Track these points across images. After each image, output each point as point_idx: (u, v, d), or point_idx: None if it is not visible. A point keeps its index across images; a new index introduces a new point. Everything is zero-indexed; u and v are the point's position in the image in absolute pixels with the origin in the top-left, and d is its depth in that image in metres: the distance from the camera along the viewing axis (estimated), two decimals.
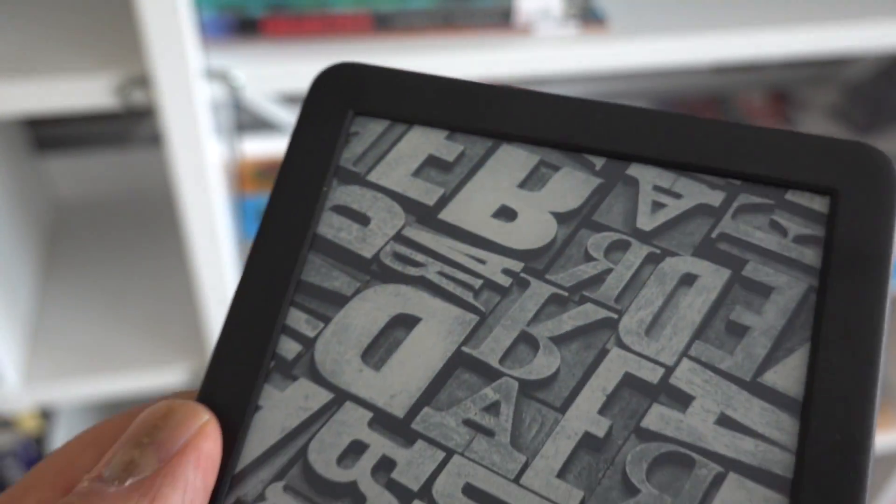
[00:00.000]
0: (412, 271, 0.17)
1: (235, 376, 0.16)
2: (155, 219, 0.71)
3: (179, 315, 0.62)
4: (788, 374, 0.15)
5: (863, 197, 0.16)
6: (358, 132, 0.19)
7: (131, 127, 0.74)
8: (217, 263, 0.51)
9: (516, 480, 0.15)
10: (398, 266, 0.17)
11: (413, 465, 0.15)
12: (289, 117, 0.72)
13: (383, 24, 0.45)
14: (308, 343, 0.17)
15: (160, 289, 0.65)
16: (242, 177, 0.71)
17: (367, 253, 0.17)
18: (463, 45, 0.46)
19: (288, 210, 0.18)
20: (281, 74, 0.45)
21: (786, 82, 0.80)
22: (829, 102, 0.75)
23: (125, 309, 0.63)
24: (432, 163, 0.18)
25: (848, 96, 0.76)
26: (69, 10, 0.48)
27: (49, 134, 0.74)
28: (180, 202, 0.47)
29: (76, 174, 0.74)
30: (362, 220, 0.18)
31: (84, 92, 0.43)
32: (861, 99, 0.75)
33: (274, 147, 0.74)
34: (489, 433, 0.15)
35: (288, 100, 0.73)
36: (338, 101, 0.19)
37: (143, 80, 0.43)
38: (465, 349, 0.16)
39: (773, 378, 0.15)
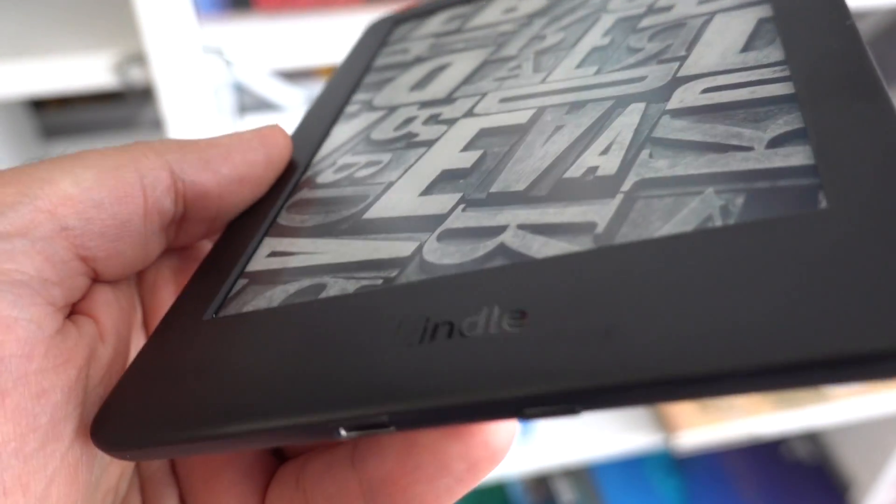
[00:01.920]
0: (442, 49, 0.23)
1: (315, 118, 0.22)
2: None
3: None
4: None
5: None
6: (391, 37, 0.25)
7: (136, 111, 0.75)
8: None
9: (543, 81, 0.19)
10: (430, 52, 0.23)
11: (455, 108, 0.20)
12: (288, 96, 0.72)
13: None
14: (366, 102, 0.22)
15: None
16: None
17: (409, 57, 0.24)
18: None
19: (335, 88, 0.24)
20: (274, 48, 0.45)
21: None
22: None
23: None
24: (453, 18, 0.25)
25: None
26: None
27: (55, 120, 0.75)
28: None
29: None
30: (404, 51, 0.25)
31: (82, 71, 0.43)
32: None
33: None
34: (514, 76, 0.20)
35: (285, 76, 0.73)
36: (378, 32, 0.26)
37: (140, 58, 0.43)
38: (489, 57, 0.21)
39: None
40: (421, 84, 0.22)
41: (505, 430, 0.13)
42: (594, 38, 0.20)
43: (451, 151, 0.18)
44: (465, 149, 0.18)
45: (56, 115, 0.75)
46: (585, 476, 0.89)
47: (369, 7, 0.46)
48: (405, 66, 0.23)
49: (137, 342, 0.18)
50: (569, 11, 0.22)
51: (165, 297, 0.19)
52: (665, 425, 0.73)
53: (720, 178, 0.13)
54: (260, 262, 0.17)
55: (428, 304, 0.13)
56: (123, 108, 0.75)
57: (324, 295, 0.15)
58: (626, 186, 0.14)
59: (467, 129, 0.19)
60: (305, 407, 0.12)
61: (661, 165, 0.14)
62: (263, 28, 0.46)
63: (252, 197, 0.19)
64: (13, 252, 0.14)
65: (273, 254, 0.17)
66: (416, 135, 0.19)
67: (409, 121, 0.20)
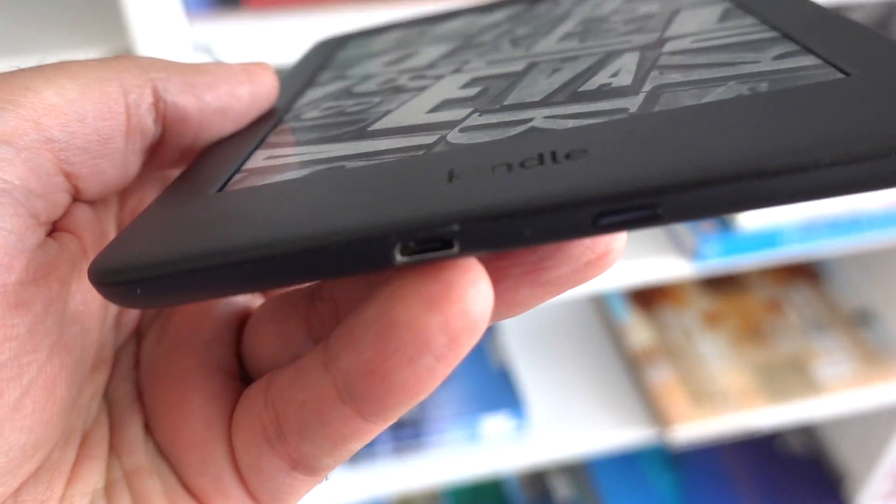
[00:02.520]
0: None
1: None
2: None
3: None
4: None
5: None
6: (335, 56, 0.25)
7: None
8: None
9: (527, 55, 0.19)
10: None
11: (443, 68, 0.20)
12: None
13: None
14: (336, 76, 0.22)
15: None
16: None
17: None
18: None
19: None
20: (264, 47, 0.45)
21: None
22: None
23: None
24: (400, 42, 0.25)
25: None
26: None
27: None
28: None
29: None
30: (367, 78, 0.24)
31: None
32: None
33: None
34: (496, 48, 0.20)
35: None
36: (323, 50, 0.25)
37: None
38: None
39: None
40: (395, 62, 0.22)
41: (482, 298, 0.12)
42: (567, 28, 0.20)
43: (449, 89, 0.18)
44: (465, 87, 0.18)
45: None
46: (581, 472, 0.89)
47: (358, 6, 0.46)
48: (371, 56, 0.23)
49: None
50: (532, 19, 0.22)
51: None
52: (659, 420, 0.73)
53: (738, 77, 0.14)
54: (258, 161, 0.17)
55: (477, 157, 0.13)
56: None
57: (344, 170, 0.14)
58: (647, 88, 0.15)
59: (459, 77, 0.19)
60: (357, 220, 0.12)
61: (674, 76, 0.15)
62: (253, 26, 0.46)
63: (231, 130, 0.19)
64: None
65: (270, 157, 0.17)
66: (403, 85, 0.19)
67: (391, 79, 0.20)
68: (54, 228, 0.16)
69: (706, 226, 0.61)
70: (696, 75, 0.15)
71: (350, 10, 0.46)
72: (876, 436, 0.83)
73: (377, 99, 0.19)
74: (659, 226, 0.11)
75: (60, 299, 0.15)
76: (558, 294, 0.14)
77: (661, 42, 0.17)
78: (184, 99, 0.17)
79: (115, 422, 0.17)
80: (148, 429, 0.17)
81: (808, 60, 0.14)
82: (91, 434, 0.17)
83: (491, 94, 0.17)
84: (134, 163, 0.17)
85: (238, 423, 0.16)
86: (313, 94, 0.21)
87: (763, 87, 0.13)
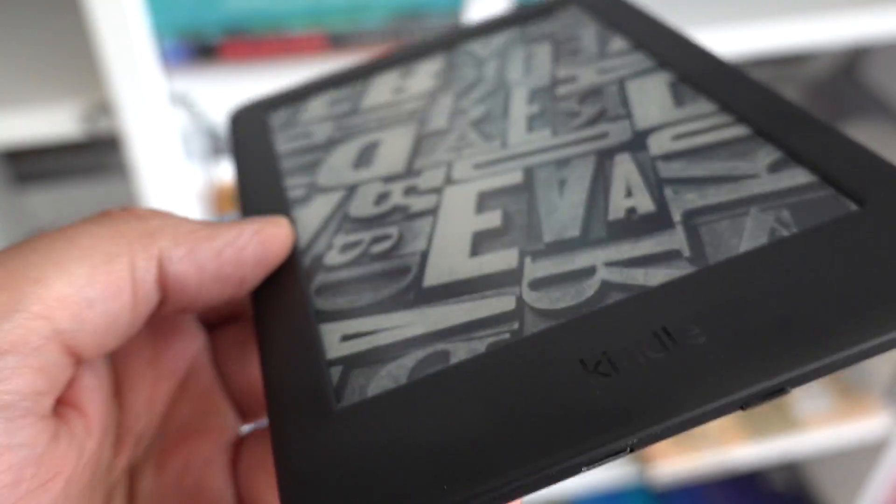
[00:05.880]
0: (356, 129, 0.23)
1: (267, 208, 0.21)
2: None
3: None
4: None
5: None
6: (273, 123, 0.25)
7: (109, 157, 0.76)
8: None
9: (504, 146, 0.20)
10: (344, 133, 0.23)
11: (429, 179, 0.20)
12: None
13: (338, 43, 0.47)
14: (309, 185, 0.22)
15: None
16: (220, 200, 0.72)
17: (322, 138, 0.23)
18: None
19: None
20: (241, 96, 0.46)
21: None
22: None
23: None
24: (334, 102, 0.25)
25: (807, 95, 0.78)
26: (28, 42, 0.50)
27: (29, 168, 0.76)
28: None
29: (56, 206, 0.75)
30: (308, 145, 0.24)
31: (49, 121, 0.44)
32: (820, 97, 0.77)
33: None
34: (468, 145, 0.20)
35: None
36: (255, 117, 0.25)
37: (106, 108, 0.44)
38: (422, 131, 0.21)
39: None
40: (362, 161, 0.21)
41: None
42: (521, 107, 0.21)
43: (466, 215, 0.18)
44: (480, 211, 0.18)
45: (30, 164, 0.76)
46: None
47: (333, 53, 0.47)
48: (322, 147, 0.23)
49: (113, 414, 0.18)
50: (470, 88, 0.22)
51: (139, 365, 0.19)
52: (640, 457, 0.74)
53: (753, 200, 0.16)
54: (338, 348, 0.17)
55: (592, 341, 0.14)
56: (97, 154, 0.76)
57: (455, 360, 0.15)
58: (677, 217, 0.16)
59: (463, 194, 0.19)
60: (542, 453, 0.13)
61: (692, 198, 0.16)
62: (230, 77, 0.47)
63: (231, 296, 0.18)
64: (4, 371, 0.14)
65: (346, 337, 0.17)
66: (407, 207, 0.19)
67: (384, 196, 0.20)
68: (59, 401, 0.16)
69: None
70: (711, 198, 0.16)
71: (324, 59, 0.48)
72: (858, 471, 0.83)
73: (392, 230, 0.19)
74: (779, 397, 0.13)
75: (63, 494, 0.15)
76: None
77: (642, 139, 0.18)
78: (185, 268, 0.17)
79: None
80: None
81: (804, 177, 0.16)
82: None
83: (519, 224, 0.17)
84: (134, 327, 0.17)
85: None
86: (306, 216, 0.20)
87: (787, 219, 0.15)
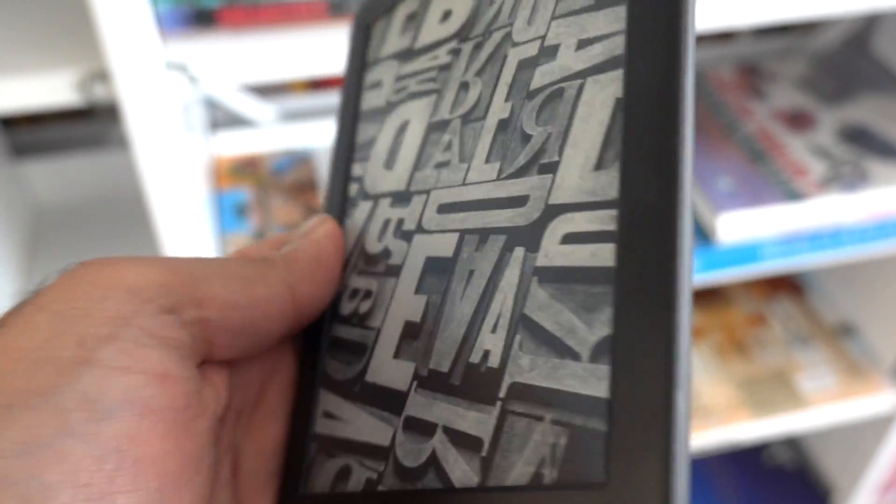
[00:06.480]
0: (402, 94, 0.23)
1: (334, 208, 0.24)
2: (135, 220, 0.71)
3: None
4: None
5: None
6: (372, 35, 0.26)
7: (107, 127, 0.75)
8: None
9: (463, 183, 0.19)
10: (396, 97, 0.23)
11: (412, 213, 0.21)
12: (259, 111, 0.72)
13: (338, 10, 0.46)
14: (360, 180, 0.24)
15: None
16: (218, 173, 0.71)
17: (382, 101, 0.24)
18: None
19: (347, 103, 0.26)
20: (240, 64, 0.45)
21: (755, 55, 0.81)
22: (797, 74, 0.75)
23: None
24: (408, 18, 0.24)
25: (816, 67, 0.76)
26: (24, 9, 0.49)
27: (26, 139, 0.75)
28: (147, 199, 0.48)
29: (54, 178, 0.74)
30: (378, 84, 0.25)
31: (45, 89, 0.43)
32: (829, 69, 0.76)
33: (248, 142, 0.75)
34: (447, 163, 0.20)
35: (257, 91, 0.73)
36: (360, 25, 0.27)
37: (103, 75, 0.43)
38: (432, 119, 0.21)
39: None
40: (390, 160, 0.23)
41: None
42: (499, 103, 0.19)
43: (409, 292, 0.20)
44: (418, 290, 0.20)
45: (26, 133, 0.75)
46: None
47: (333, 22, 0.46)
48: (382, 114, 0.24)
49: (228, 391, 0.20)
50: (480, 44, 0.20)
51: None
52: None
53: (554, 402, 0.14)
54: (320, 423, 0.21)
55: None
56: (94, 124, 0.75)
57: (350, 487, 0.19)
58: (502, 392, 0.16)
59: (416, 258, 0.20)
60: None
61: (524, 365, 0.15)
62: (228, 44, 0.46)
63: (307, 318, 0.21)
64: (174, 325, 0.17)
65: (325, 414, 0.21)
66: (390, 253, 0.21)
67: (385, 227, 0.22)
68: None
69: None
70: (533, 375, 0.16)
71: (325, 25, 0.46)
72: (861, 448, 0.83)
73: (374, 285, 0.22)
74: None
75: (205, 436, 0.18)
76: None
77: (544, 222, 0.16)
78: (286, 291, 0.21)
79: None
80: None
81: (601, 387, 0.14)
82: None
83: (427, 327, 0.19)
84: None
85: None
86: (350, 225, 0.24)
87: (557, 456, 0.14)
